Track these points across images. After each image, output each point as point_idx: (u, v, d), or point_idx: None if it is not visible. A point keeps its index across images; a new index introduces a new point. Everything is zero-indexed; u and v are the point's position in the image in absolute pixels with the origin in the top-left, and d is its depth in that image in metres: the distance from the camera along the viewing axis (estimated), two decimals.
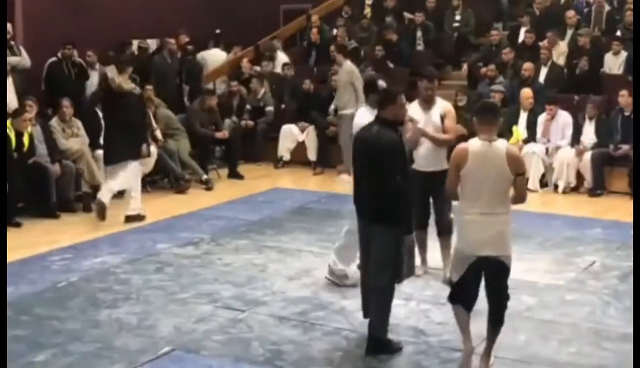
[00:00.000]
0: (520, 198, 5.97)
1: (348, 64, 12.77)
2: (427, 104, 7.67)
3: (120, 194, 11.38)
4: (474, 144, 5.76)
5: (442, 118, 7.64)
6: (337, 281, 7.74)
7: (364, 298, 6.49)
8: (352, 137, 6.92)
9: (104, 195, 10.07)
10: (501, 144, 5.77)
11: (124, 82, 10.13)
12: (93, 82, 12.91)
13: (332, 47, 14.32)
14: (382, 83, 7.80)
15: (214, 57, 15.84)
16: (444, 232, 7.77)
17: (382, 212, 6.03)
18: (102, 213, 9.98)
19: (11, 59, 12.14)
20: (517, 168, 5.76)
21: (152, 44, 16.05)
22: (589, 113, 12.01)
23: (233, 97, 14.35)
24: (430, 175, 7.51)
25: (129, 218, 10.18)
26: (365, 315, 6.47)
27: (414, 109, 7.69)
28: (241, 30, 16.94)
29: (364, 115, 7.24)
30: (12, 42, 12.42)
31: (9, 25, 12.58)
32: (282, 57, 15.47)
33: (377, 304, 6.25)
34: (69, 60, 12.66)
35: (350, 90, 12.45)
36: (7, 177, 9.76)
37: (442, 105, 7.75)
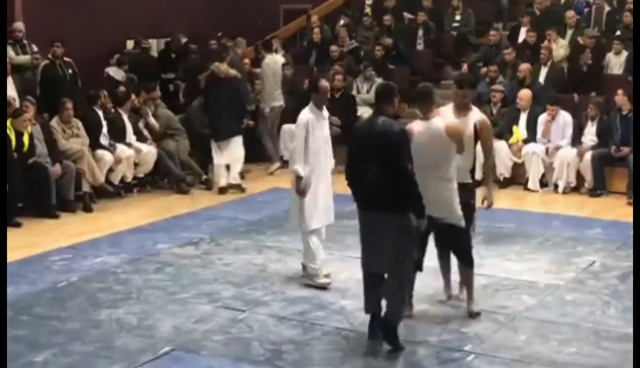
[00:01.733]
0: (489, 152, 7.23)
1: (266, 58, 14.12)
2: (460, 111, 7.11)
3: (117, 195, 11.44)
4: (417, 124, 6.76)
5: (476, 128, 7.09)
6: (310, 282, 7.76)
7: (368, 292, 6.45)
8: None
9: (222, 178, 11.84)
10: (438, 122, 6.66)
11: (229, 69, 11.81)
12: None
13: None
14: (324, 83, 7.90)
15: None
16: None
17: (399, 200, 6.14)
18: (224, 191, 11.81)
19: (23, 58, 12.18)
20: (457, 137, 6.69)
21: (152, 43, 16.06)
22: (590, 113, 12.00)
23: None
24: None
25: (232, 186, 11.84)
26: (368, 310, 6.47)
27: (447, 114, 7.47)
28: (241, 30, 16.95)
29: (306, 114, 7.68)
30: (25, 41, 12.42)
31: (20, 25, 12.58)
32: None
33: (395, 292, 6.29)
34: (61, 60, 12.63)
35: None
36: (7, 177, 9.77)
37: (477, 116, 7.14)
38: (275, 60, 14.17)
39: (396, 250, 6.22)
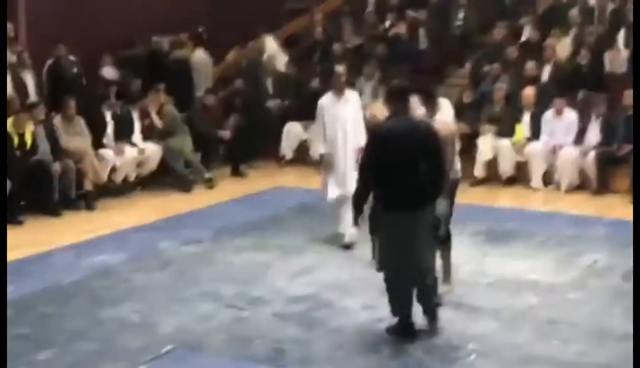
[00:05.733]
0: None
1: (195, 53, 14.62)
2: None
3: (119, 193, 11.45)
4: None
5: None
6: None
7: (403, 292, 6.43)
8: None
9: None
10: None
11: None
12: (29, 82, 12.30)
13: None
14: (337, 68, 8.96)
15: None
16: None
17: (438, 192, 6.36)
18: None
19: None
20: None
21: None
22: (596, 111, 11.97)
23: (236, 95, 14.31)
24: None
25: None
26: (398, 313, 6.51)
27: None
28: (244, 28, 16.93)
29: (322, 99, 8.83)
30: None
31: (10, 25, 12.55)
32: (281, 57, 15.51)
33: (433, 285, 6.60)
34: (66, 59, 12.64)
35: None
36: (9, 175, 9.79)
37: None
38: (202, 56, 14.37)
39: (430, 242, 6.42)
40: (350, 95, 8.89)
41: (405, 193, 6.19)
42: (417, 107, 7.04)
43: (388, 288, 6.46)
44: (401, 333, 6.48)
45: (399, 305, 6.48)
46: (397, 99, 6.37)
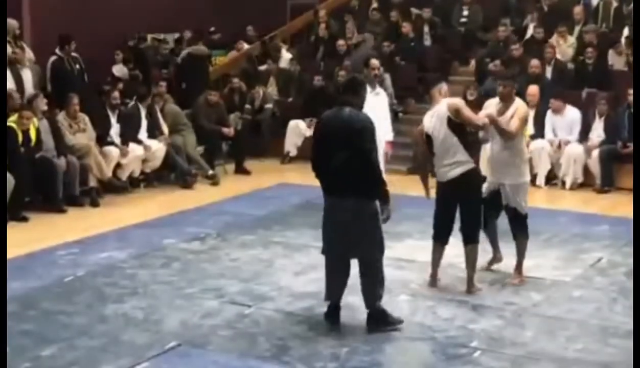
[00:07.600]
0: None
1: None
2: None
3: (124, 190, 11.46)
4: None
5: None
6: None
7: (336, 276, 6.57)
8: None
9: None
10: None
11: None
12: (27, 78, 12.03)
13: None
14: (373, 60, 9.35)
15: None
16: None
17: (366, 185, 6.32)
18: None
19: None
20: None
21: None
22: (600, 109, 11.97)
23: (234, 93, 14.32)
24: None
25: None
26: (331, 297, 6.63)
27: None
28: (248, 25, 16.95)
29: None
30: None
31: (14, 22, 12.52)
32: (286, 55, 15.52)
33: (373, 277, 6.48)
34: (69, 55, 12.64)
35: None
36: (15, 172, 9.79)
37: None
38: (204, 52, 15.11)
39: (366, 234, 6.40)
40: (380, 89, 9.43)
41: (332, 179, 6.41)
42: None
43: (326, 272, 6.63)
44: (325, 317, 6.66)
45: (332, 291, 6.62)
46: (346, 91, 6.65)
